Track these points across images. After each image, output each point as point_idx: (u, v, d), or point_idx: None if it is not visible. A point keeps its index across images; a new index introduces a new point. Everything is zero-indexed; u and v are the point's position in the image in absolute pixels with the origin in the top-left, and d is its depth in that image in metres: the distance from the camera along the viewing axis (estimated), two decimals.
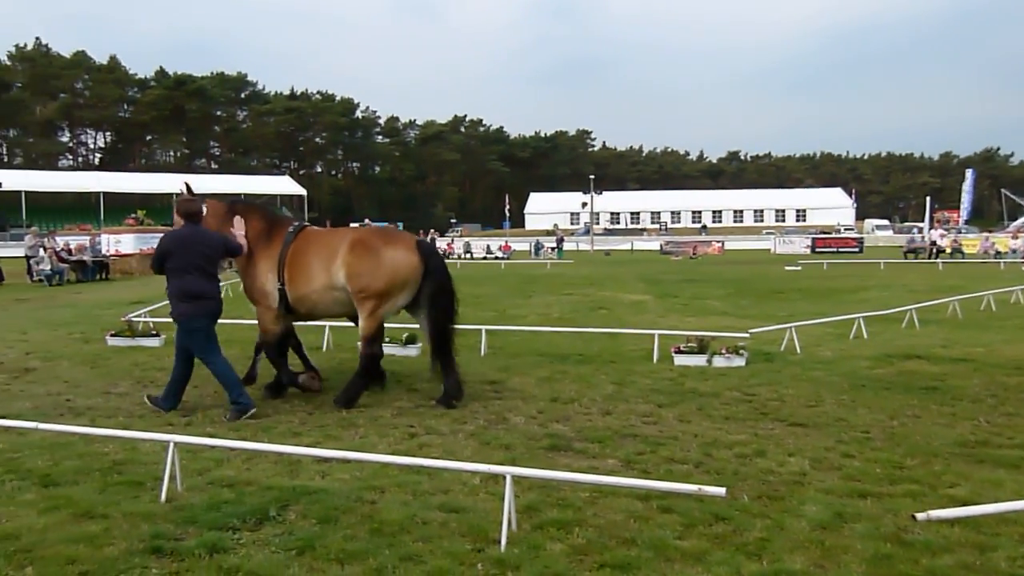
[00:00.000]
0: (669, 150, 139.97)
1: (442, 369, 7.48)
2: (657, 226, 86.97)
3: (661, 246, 55.21)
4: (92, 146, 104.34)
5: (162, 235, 7.68)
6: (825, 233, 61.53)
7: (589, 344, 10.99)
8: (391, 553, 4.01)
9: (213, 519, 4.41)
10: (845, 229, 70.82)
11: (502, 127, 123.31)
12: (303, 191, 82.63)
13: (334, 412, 7.08)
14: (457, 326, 7.80)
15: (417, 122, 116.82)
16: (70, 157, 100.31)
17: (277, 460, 5.50)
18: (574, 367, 9.36)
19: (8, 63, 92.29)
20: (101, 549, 4.04)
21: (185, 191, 7.75)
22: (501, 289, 21.51)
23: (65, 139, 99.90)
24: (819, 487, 5.02)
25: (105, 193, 70.73)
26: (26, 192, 67.37)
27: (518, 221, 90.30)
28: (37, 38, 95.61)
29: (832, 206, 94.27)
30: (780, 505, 4.71)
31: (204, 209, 7.54)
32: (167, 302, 13.04)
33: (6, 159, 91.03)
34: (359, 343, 7.74)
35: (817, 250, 49.60)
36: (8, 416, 6.59)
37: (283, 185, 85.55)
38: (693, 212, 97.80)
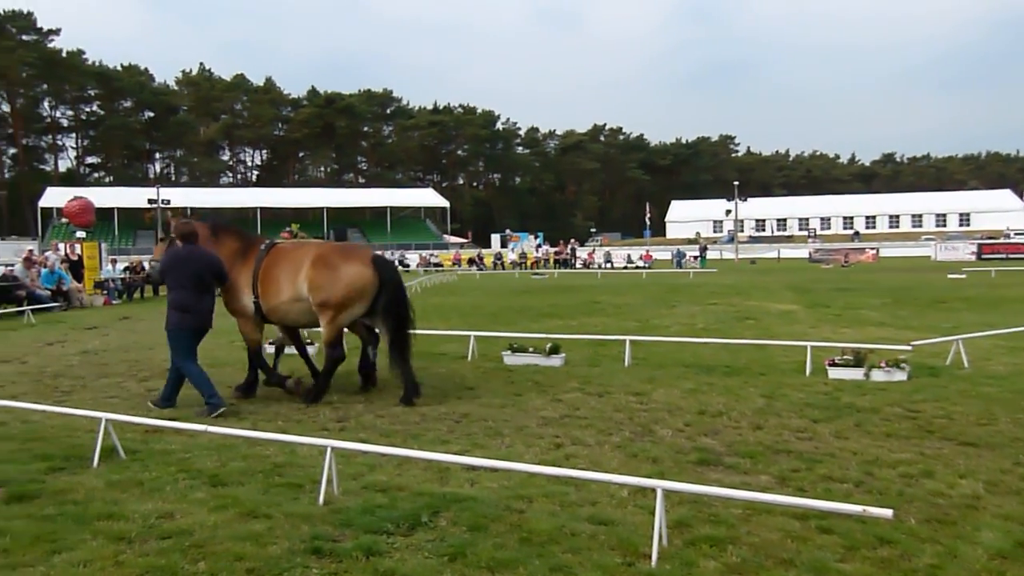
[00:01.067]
0: (818, 153, 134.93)
1: (401, 373, 8.15)
2: (805, 233, 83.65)
3: (810, 254, 53.20)
4: (250, 163, 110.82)
5: (164, 255, 8.45)
6: (992, 238, 57.57)
7: (736, 356, 10.69)
8: (541, 563, 4.01)
9: (368, 523, 4.55)
10: (1015, 234, 65.89)
11: (642, 135, 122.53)
12: (446, 203, 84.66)
13: (481, 422, 7.18)
14: (414, 331, 8.63)
15: (557, 132, 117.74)
16: (230, 174, 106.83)
17: (427, 467, 5.61)
18: (721, 379, 9.12)
19: (176, 88, 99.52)
20: (266, 548, 4.24)
21: (179, 214, 8.41)
22: (643, 299, 21.25)
23: (226, 157, 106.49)
24: (996, 512, 4.67)
25: (261, 208, 74.75)
26: (191, 208, 72.16)
27: (659, 230, 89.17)
28: (201, 63, 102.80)
29: (1000, 209, 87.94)
30: (952, 530, 4.40)
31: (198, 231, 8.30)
32: None
33: (173, 177, 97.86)
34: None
35: (984, 257, 46.49)
36: (179, 419, 7.04)
37: (427, 197, 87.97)
38: (844, 218, 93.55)
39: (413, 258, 54.44)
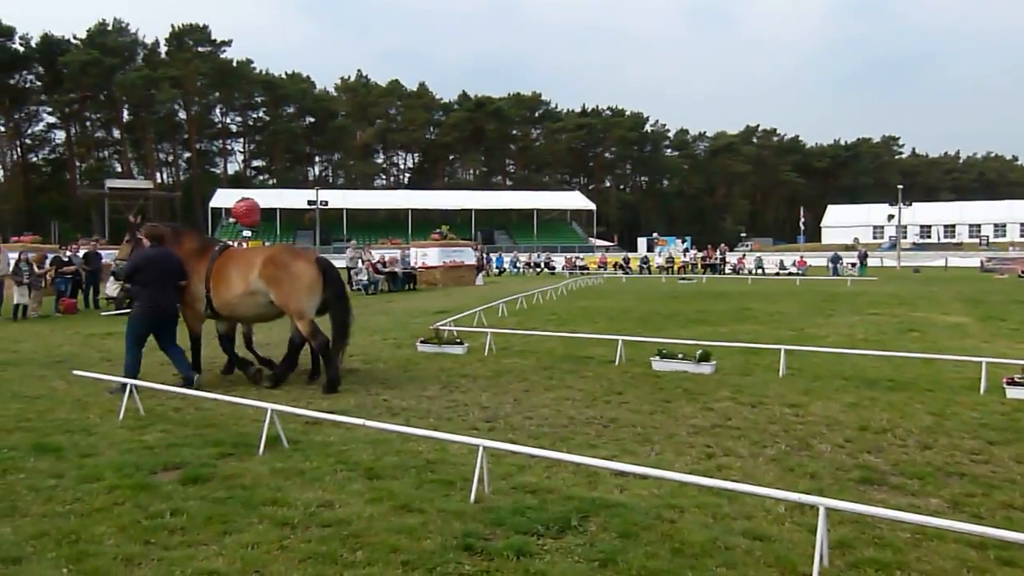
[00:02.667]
0: (992, 155, 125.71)
1: (329, 365, 9.03)
2: (977, 240, 78.14)
3: (982, 263, 49.56)
4: (402, 166, 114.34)
5: (134, 255, 9.68)
6: None
7: (900, 370, 10.09)
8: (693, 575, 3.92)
9: (518, 523, 4.57)
10: None
11: (797, 136, 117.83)
12: (592, 206, 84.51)
13: (629, 428, 7.09)
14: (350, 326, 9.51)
15: (707, 134, 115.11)
16: (383, 177, 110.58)
17: (576, 470, 5.59)
18: (884, 394, 8.62)
19: (335, 94, 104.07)
20: (420, 542, 4.33)
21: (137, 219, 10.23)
22: (798, 307, 20.44)
23: (380, 160, 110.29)
24: None
25: (413, 210, 77.03)
26: (347, 210, 75.24)
27: (813, 235, 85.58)
28: (358, 70, 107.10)
29: None
30: None
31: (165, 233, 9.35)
32: (470, 312, 13.94)
33: (330, 180, 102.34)
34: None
35: None
36: (337, 412, 7.32)
37: (574, 200, 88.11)
38: (1021, 224, 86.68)
39: (559, 261, 54.58)
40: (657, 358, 10.24)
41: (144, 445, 6.36)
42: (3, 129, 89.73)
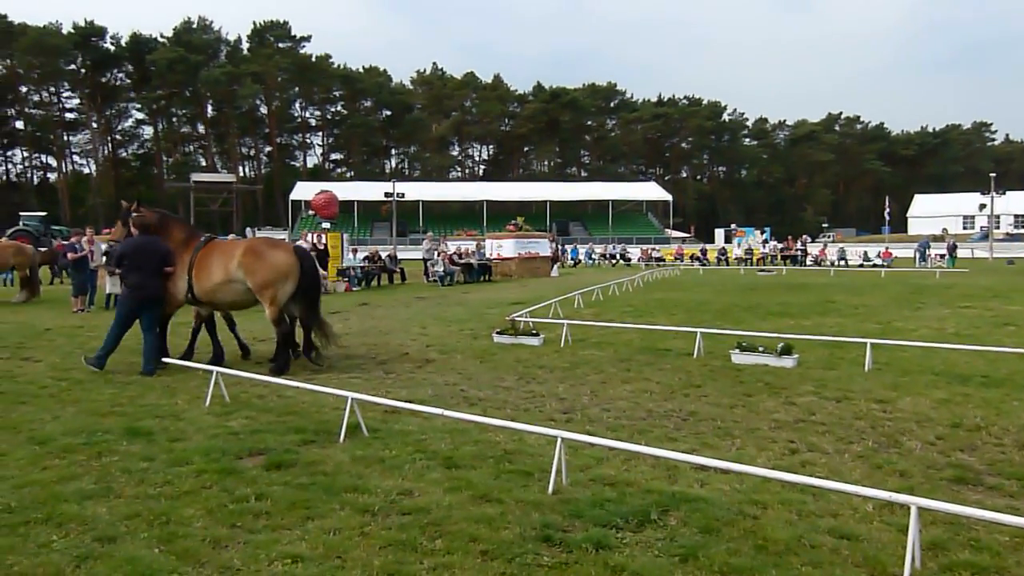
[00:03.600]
0: None
1: (288, 346, 9.83)
2: None
3: None
4: (477, 158, 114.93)
5: (123, 241, 10.34)
6: None
7: (995, 365, 9.66)
8: (778, 574, 3.81)
9: (597, 516, 4.53)
10: None
11: (882, 123, 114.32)
12: (669, 196, 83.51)
13: (709, 421, 6.96)
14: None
15: (787, 122, 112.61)
16: (459, 169, 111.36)
17: (655, 463, 5.52)
18: (978, 390, 8.26)
19: (411, 87, 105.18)
20: (498, 531, 4.33)
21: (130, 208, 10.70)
22: (884, 300, 19.79)
23: (455, 153, 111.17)
24: None
25: (488, 201, 77.33)
26: (423, 202, 75.98)
27: (899, 225, 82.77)
28: (434, 63, 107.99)
29: None
30: None
31: (152, 222, 10.04)
32: (545, 303, 13.97)
33: (406, 172, 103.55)
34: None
35: None
36: (415, 401, 7.39)
37: (650, 191, 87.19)
38: None
39: (635, 252, 54.11)
40: (737, 351, 10.04)
41: (229, 431, 6.53)
42: (95, 125, 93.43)
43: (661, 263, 47.68)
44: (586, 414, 7.24)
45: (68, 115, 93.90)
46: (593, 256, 53.99)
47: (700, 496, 4.90)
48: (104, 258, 19.34)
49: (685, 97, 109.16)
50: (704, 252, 51.80)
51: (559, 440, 5.06)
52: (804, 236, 54.44)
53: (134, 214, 10.36)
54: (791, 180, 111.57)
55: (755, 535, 4.27)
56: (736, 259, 49.11)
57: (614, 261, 51.48)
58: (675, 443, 6.18)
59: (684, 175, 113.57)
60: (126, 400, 7.88)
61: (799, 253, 48.16)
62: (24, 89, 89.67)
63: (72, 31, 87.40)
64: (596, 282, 23.16)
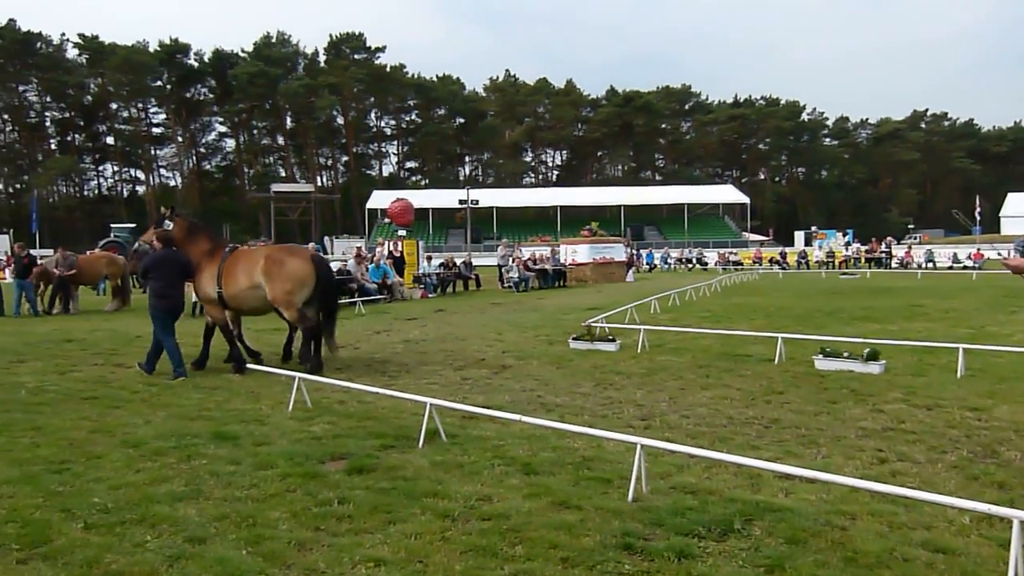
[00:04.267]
0: None
1: (317, 345, 10.32)
2: None
3: None
4: (551, 164, 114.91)
5: (148, 254, 11.14)
6: None
7: None
8: None
9: (679, 524, 4.46)
10: None
11: (972, 120, 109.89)
12: (746, 199, 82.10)
13: (792, 429, 6.79)
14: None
15: (870, 121, 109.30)
16: (532, 175, 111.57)
17: (737, 472, 5.41)
18: None
19: (484, 95, 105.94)
20: (578, 538, 4.30)
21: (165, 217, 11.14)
22: (975, 303, 19.03)
23: (528, 159, 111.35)
24: None
25: (562, 207, 77.25)
26: (496, 208, 76.35)
27: (991, 225, 79.48)
28: (507, 70, 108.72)
29: None
30: None
31: (168, 225, 10.82)
32: (621, 309, 13.99)
33: (480, 179, 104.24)
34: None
35: None
36: (492, 407, 7.40)
37: (726, 194, 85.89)
38: None
39: (711, 256, 53.33)
40: (820, 356, 9.78)
41: (312, 435, 6.66)
42: (181, 139, 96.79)
43: (739, 267, 46.84)
44: (665, 421, 7.15)
45: (155, 130, 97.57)
46: (669, 261, 53.39)
47: (785, 506, 4.78)
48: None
49: (762, 97, 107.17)
50: (783, 255, 50.70)
51: (639, 447, 5.00)
52: (889, 238, 52.78)
53: (167, 222, 10.99)
54: (874, 180, 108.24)
55: (844, 547, 4.14)
56: (817, 262, 47.91)
57: (690, 265, 50.82)
58: (758, 451, 6.04)
59: (762, 177, 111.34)
60: (213, 405, 8.11)
61: (884, 256, 46.72)
62: (114, 106, 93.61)
63: (158, 49, 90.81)
64: (672, 287, 22.90)
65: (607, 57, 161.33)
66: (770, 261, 49.81)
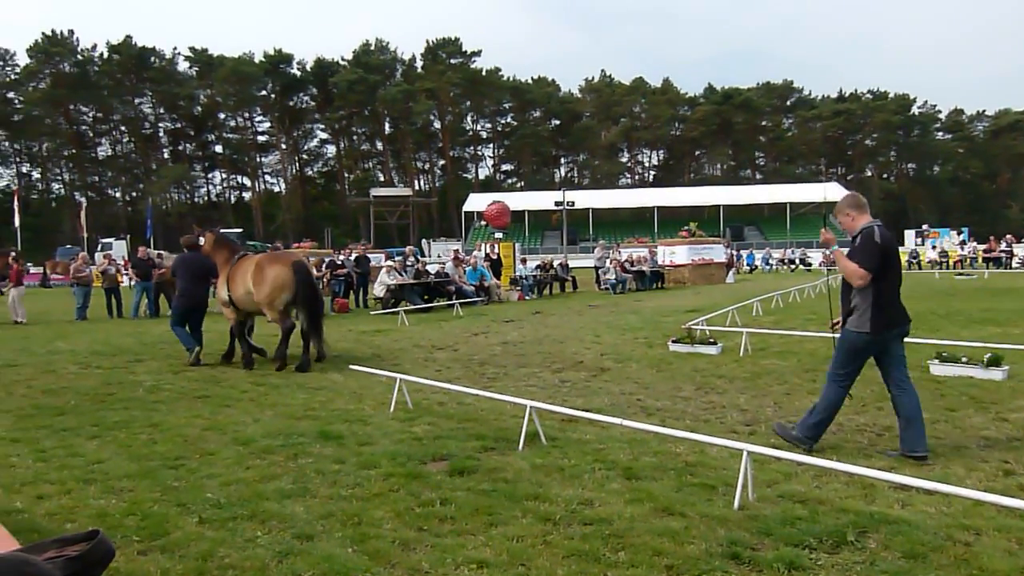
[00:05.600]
0: None
1: (305, 346, 11.12)
2: None
3: None
4: (647, 164, 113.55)
5: (175, 258, 13.24)
6: None
7: None
8: None
9: (788, 534, 4.31)
10: None
11: None
12: None
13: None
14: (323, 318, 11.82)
15: (986, 113, 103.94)
16: (628, 176, 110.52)
17: (848, 481, 5.20)
18: None
19: (579, 95, 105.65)
20: (683, 546, 4.20)
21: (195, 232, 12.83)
22: None
23: (624, 159, 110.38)
24: None
25: (659, 207, 76.29)
26: (592, 209, 75.99)
27: None
28: (602, 70, 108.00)
29: None
30: None
31: (202, 240, 12.32)
32: (722, 311, 13.82)
33: (576, 180, 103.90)
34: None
35: None
36: (592, 410, 7.34)
37: (831, 191, 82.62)
38: None
39: (815, 256, 51.71)
40: (936, 361, 9.35)
41: (413, 436, 6.74)
42: (284, 146, 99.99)
43: None
44: (770, 427, 6.94)
45: (260, 138, 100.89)
46: (770, 261, 52.09)
47: (902, 518, 4.56)
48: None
49: (869, 91, 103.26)
50: None
51: (745, 453, 4.86)
52: (1009, 236, 50.06)
53: (200, 233, 12.78)
54: (992, 175, 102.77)
55: (968, 564, 3.92)
56: (929, 262, 45.89)
57: (793, 266, 49.44)
58: (870, 460, 5.80)
59: (869, 174, 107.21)
60: (317, 405, 8.31)
61: (1003, 255, 44.32)
62: (222, 116, 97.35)
63: (263, 59, 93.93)
64: (775, 289, 22.30)
65: (705, 54, 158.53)
66: None
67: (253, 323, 12.36)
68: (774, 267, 50.94)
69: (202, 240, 12.38)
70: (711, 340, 11.75)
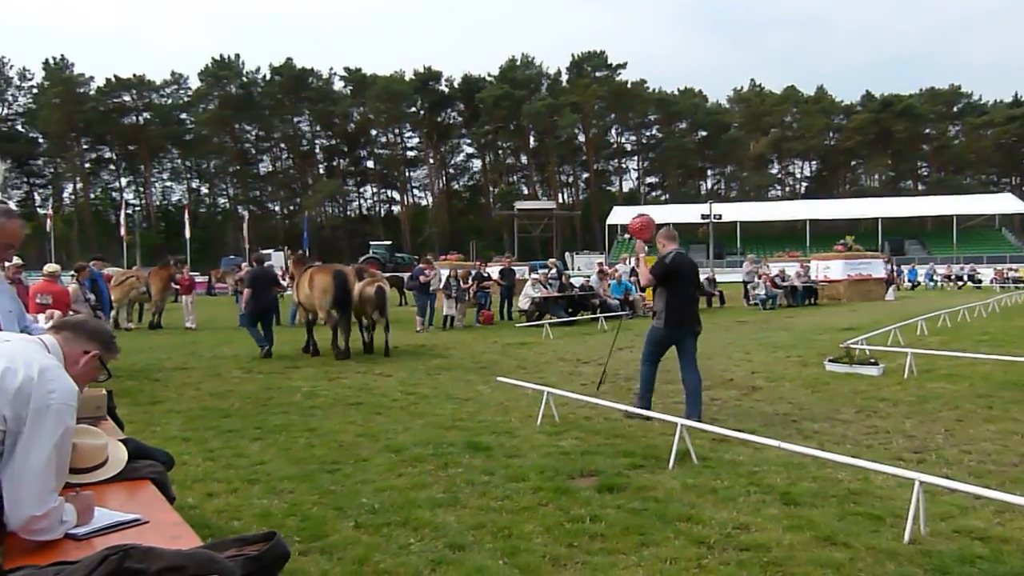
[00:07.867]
0: None
1: (335, 339, 13.85)
2: None
3: None
4: (799, 175, 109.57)
5: (246, 271, 17.47)
6: None
7: None
8: None
9: (967, 573, 3.99)
10: None
11: None
12: None
13: None
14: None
15: None
16: (778, 187, 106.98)
17: None
18: None
19: (727, 106, 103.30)
20: None
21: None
22: None
23: (774, 171, 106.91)
24: None
25: (811, 220, 73.35)
26: (740, 222, 73.95)
27: None
28: (752, 80, 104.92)
29: None
30: None
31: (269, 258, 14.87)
32: (883, 330, 13.10)
33: (723, 193, 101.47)
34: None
35: None
36: (745, 430, 7.08)
37: (1003, 203, 76.95)
38: None
39: (986, 273, 48.31)
40: None
41: (561, 450, 6.70)
42: (432, 161, 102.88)
43: (1020, 285, 42.04)
44: (942, 455, 6.47)
45: (409, 153, 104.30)
46: (935, 278, 49.04)
47: None
48: (443, 282, 21.15)
49: None
50: None
51: (916, 483, 4.54)
52: None
53: (253, 253, 16.27)
54: None
55: None
56: None
57: (961, 283, 46.36)
58: None
59: None
60: (465, 415, 8.42)
61: None
62: (374, 132, 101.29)
63: (413, 77, 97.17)
64: (941, 307, 20.94)
65: (862, 60, 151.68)
66: None
67: (373, 323, 14.57)
68: (939, 284, 47.91)
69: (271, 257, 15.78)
70: (872, 360, 11.14)
